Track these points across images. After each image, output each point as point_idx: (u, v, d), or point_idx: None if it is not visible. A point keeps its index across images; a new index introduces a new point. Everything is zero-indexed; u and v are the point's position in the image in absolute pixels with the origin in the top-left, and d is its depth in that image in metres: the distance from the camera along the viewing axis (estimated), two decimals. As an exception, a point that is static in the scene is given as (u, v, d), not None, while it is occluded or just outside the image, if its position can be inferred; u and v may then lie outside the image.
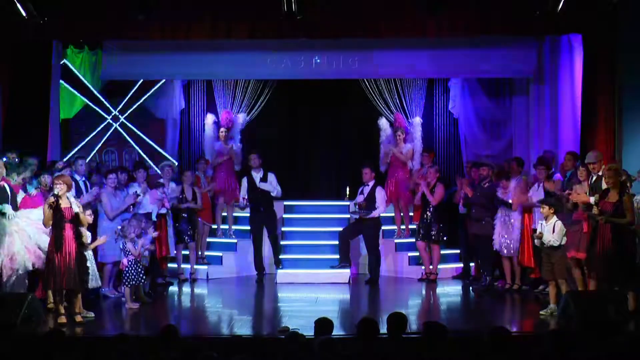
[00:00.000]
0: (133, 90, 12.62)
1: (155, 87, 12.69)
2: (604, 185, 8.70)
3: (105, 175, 10.39)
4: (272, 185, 11.46)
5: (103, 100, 12.49)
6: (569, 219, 9.18)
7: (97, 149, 12.57)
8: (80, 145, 12.43)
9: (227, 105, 13.00)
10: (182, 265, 11.41)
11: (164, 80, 12.74)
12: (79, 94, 12.42)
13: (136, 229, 9.51)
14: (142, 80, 12.60)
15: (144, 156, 12.63)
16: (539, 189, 10.13)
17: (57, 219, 8.31)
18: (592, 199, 8.80)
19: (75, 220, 8.46)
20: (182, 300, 10.60)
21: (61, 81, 11.83)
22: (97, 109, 12.52)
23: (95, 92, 12.47)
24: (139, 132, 12.66)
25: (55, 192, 8.36)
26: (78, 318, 8.47)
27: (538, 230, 8.98)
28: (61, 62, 11.77)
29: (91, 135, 12.57)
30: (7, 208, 8.68)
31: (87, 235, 8.92)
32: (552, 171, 10.39)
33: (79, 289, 8.54)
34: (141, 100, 12.68)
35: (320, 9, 10.64)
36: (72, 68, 12.21)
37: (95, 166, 11.75)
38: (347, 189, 12.68)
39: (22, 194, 9.13)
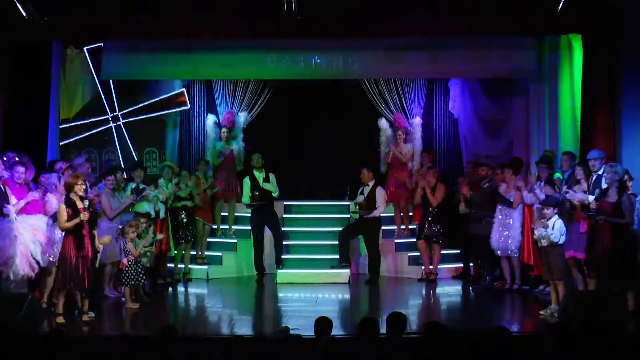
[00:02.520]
0: (143, 103, 12.55)
1: (159, 98, 12.63)
2: (604, 185, 8.72)
3: (103, 176, 10.40)
4: (273, 186, 11.48)
5: (111, 100, 12.45)
6: (569, 219, 9.18)
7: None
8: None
9: (227, 105, 13.02)
10: (180, 265, 11.41)
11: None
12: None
13: (136, 229, 9.53)
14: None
15: (163, 112, 12.61)
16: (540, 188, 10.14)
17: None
18: (590, 198, 8.81)
19: (91, 220, 8.53)
20: (182, 300, 10.60)
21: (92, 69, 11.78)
22: (98, 129, 12.44)
23: (85, 121, 12.34)
24: (128, 140, 12.56)
25: (83, 195, 8.47)
26: (85, 317, 8.52)
27: (538, 227, 8.94)
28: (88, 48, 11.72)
29: (89, 133, 12.51)
30: (10, 211, 8.68)
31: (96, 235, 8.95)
32: (552, 171, 10.40)
33: (94, 289, 8.69)
34: (145, 107, 12.63)
35: (320, 9, 10.64)
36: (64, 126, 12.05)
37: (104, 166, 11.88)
38: (347, 189, 12.70)
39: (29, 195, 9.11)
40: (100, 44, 11.93)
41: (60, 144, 11.74)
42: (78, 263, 8.30)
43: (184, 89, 12.70)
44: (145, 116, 12.54)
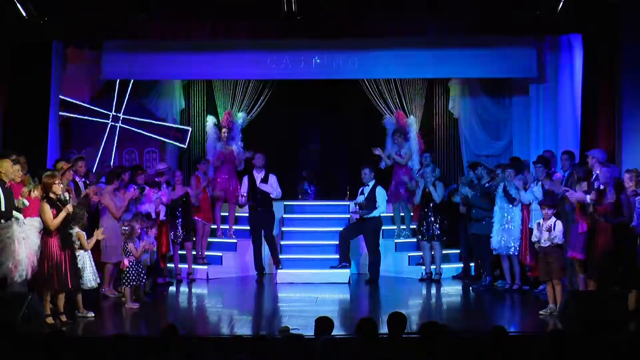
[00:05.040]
0: (116, 89, 12.57)
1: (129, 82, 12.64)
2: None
3: (107, 178, 10.37)
4: (272, 187, 11.46)
5: (98, 109, 12.46)
6: (570, 219, 9.18)
7: (113, 152, 12.54)
8: (98, 155, 12.41)
9: (227, 105, 13.02)
10: (180, 266, 11.40)
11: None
12: (78, 116, 12.38)
13: (137, 229, 9.52)
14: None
15: (160, 138, 12.67)
16: (538, 188, 10.14)
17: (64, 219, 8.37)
18: (587, 198, 8.83)
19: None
20: (182, 300, 10.60)
21: (60, 112, 11.75)
22: (97, 119, 12.49)
23: (90, 107, 12.43)
24: (143, 120, 12.64)
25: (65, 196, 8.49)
26: (63, 317, 8.48)
27: (535, 229, 9.00)
28: (59, 97, 11.67)
29: (103, 142, 12.52)
30: (20, 214, 8.66)
31: (83, 235, 8.92)
32: (552, 170, 10.40)
33: (80, 288, 8.68)
34: (128, 92, 12.61)
35: (320, 9, 10.63)
36: (66, 98, 12.05)
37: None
38: (347, 188, 12.72)
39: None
40: (100, 44, 11.96)
41: (60, 113, 11.73)
42: (61, 261, 8.28)
43: (189, 129, 12.81)
44: (142, 131, 12.56)
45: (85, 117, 12.41)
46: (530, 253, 10.10)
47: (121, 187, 10.26)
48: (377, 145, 12.50)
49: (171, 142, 12.66)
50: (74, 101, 12.25)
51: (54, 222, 8.27)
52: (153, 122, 12.66)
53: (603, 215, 8.51)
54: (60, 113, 11.80)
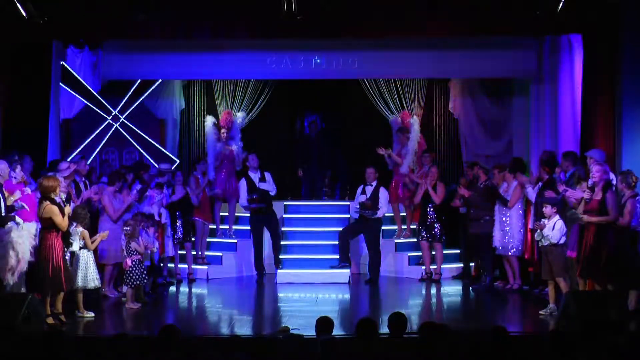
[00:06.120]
0: (131, 91, 12.49)
1: (153, 87, 12.54)
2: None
3: (110, 178, 10.35)
4: (271, 185, 11.47)
5: (102, 101, 12.41)
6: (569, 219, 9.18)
7: (97, 149, 12.44)
8: (81, 146, 12.31)
9: (227, 105, 13.02)
10: (179, 265, 11.40)
11: (162, 80, 12.68)
12: (78, 96, 12.34)
13: (132, 229, 9.51)
14: (140, 80, 12.57)
15: (146, 155, 12.50)
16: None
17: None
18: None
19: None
20: (182, 300, 10.60)
21: (60, 84, 11.78)
22: (97, 109, 12.42)
23: (95, 93, 12.38)
24: (139, 132, 12.54)
25: (63, 197, 8.52)
26: (71, 317, 8.53)
27: (536, 228, 9.00)
28: (60, 64, 11.71)
29: (92, 136, 12.42)
30: (20, 219, 8.65)
31: (87, 234, 8.93)
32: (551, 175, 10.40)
33: (78, 288, 8.70)
34: (140, 99, 12.57)
35: (320, 9, 10.64)
36: (71, 70, 12.12)
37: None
38: (347, 188, 12.70)
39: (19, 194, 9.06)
40: (99, 44, 11.96)
41: (61, 84, 11.69)
42: (61, 261, 8.27)
43: (177, 161, 12.64)
44: (133, 141, 12.45)
45: (86, 101, 12.32)
46: (531, 250, 10.12)
47: (124, 188, 10.24)
48: (379, 145, 12.49)
49: (153, 162, 12.18)
50: (82, 80, 12.19)
51: (65, 223, 8.29)
52: (148, 138, 12.44)
53: (589, 213, 8.53)
54: (62, 84, 11.74)
